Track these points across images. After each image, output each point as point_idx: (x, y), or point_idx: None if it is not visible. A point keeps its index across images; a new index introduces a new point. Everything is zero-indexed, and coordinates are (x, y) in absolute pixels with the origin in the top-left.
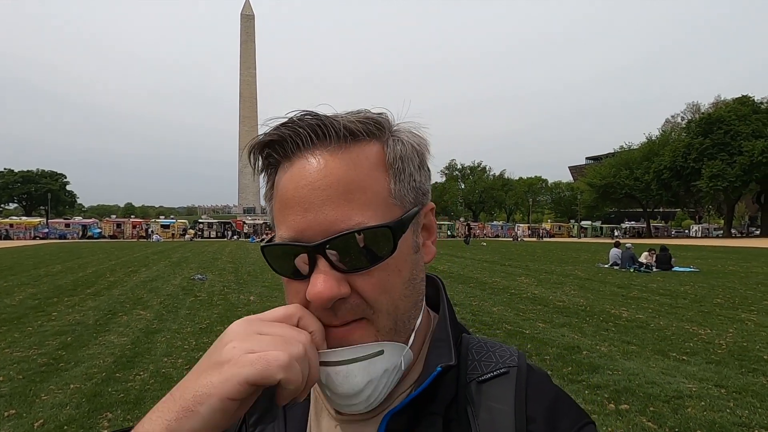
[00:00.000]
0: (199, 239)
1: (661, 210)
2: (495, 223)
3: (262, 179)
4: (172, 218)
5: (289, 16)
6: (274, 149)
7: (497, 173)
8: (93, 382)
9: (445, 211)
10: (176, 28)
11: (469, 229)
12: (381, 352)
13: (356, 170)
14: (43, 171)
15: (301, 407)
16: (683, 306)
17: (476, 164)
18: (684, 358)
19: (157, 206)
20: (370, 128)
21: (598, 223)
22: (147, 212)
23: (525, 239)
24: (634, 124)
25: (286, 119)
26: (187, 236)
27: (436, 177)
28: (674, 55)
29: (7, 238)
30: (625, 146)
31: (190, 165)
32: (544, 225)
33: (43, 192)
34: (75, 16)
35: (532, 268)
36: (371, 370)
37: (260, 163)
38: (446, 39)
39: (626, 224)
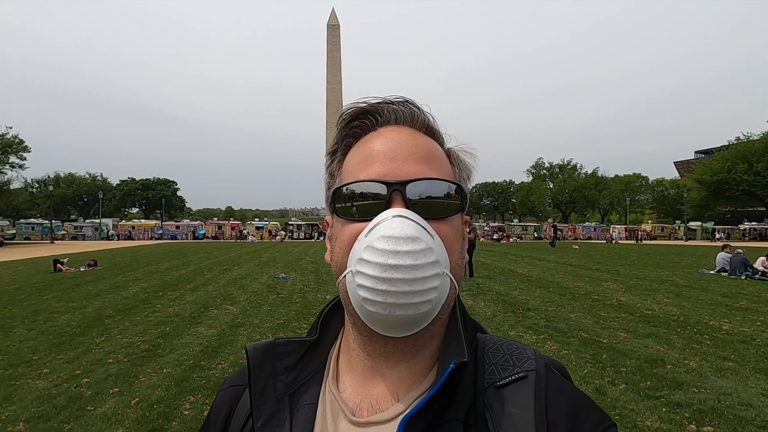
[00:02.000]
0: (289, 240)
1: None
2: (587, 224)
3: (329, 155)
4: (266, 220)
5: (372, 25)
6: (368, 118)
7: (589, 171)
8: (182, 368)
9: (533, 212)
10: (269, 49)
11: (556, 230)
12: (433, 250)
13: (435, 148)
14: (158, 179)
15: (308, 412)
16: None
17: (566, 162)
18: None
19: (254, 209)
20: (440, 136)
21: (709, 224)
22: (245, 215)
23: (620, 242)
24: (754, 110)
25: (383, 98)
26: (277, 237)
27: (522, 177)
28: None
29: (130, 238)
30: (743, 137)
31: (283, 171)
32: (643, 226)
33: (158, 197)
34: (185, 55)
35: (623, 273)
36: (424, 237)
37: (346, 131)
38: (526, 29)
39: (745, 225)
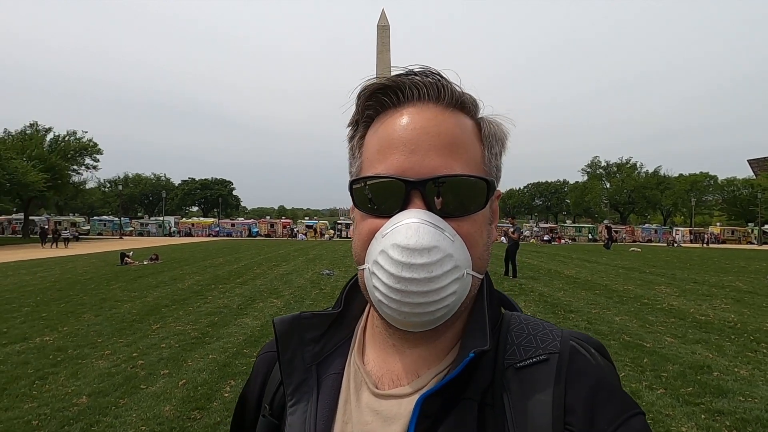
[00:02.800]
0: (338, 238)
1: None
2: (647, 226)
3: (350, 126)
4: (316, 219)
5: (423, 28)
6: (388, 95)
7: (650, 170)
8: (226, 355)
9: (588, 213)
10: (323, 54)
11: (610, 232)
12: (452, 256)
13: (462, 131)
14: (216, 179)
15: (334, 381)
16: None
17: (624, 160)
18: None
19: (304, 208)
20: (472, 105)
21: None
22: (296, 214)
23: (683, 245)
24: None
25: (405, 70)
26: (326, 236)
27: (577, 176)
28: None
29: (189, 234)
30: None
31: (332, 171)
32: (711, 229)
33: (216, 197)
34: (247, 67)
35: (679, 277)
36: (442, 244)
37: (363, 109)
38: (580, 16)
39: None
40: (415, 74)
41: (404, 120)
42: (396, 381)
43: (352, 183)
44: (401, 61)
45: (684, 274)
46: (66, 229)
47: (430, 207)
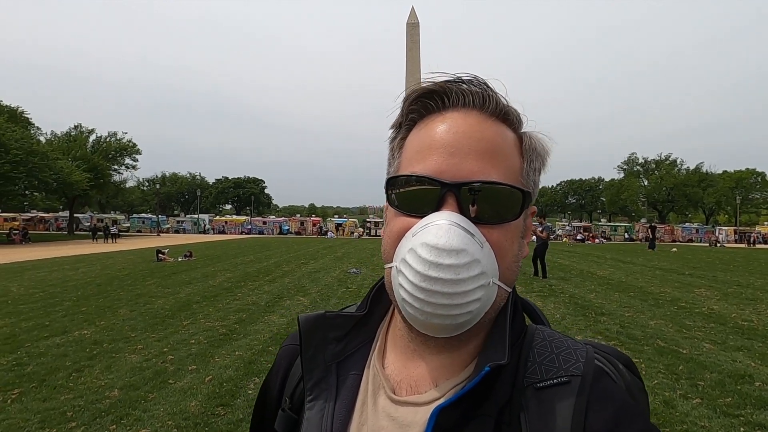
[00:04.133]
0: (366, 237)
1: None
2: (688, 225)
3: (395, 128)
4: (345, 217)
5: (451, 21)
6: (433, 99)
7: (692, 167)
8: (252, 352)
9: (624, 211)
10: (348, 51)
11: (654, 231)
12: (479, 261)
13: (503, 141)
14: (248, 177)
15: (353, 381)
16: None
17: (663, 157)
18: None
19: (334, 206)
20: (516, 118)
21: None
22: (326, 212)
23: (727, 245)
24: None
25: (453, 76)
26: (355, 234)
27: (613, 173)
28: None
29: (223, 232)
30: None
31: (362, 169)
32: (758, 228)
33: (248, 195)
34: (280, 67)
35: (721, 280)
36: (471, 248)
37: (408, 112)
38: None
39: None
40: (462, 81)
41: (447, 124)
42: (414, 388)
43: (388, 180)
44: (431, 59)
45: (726, 277)
46: (116, 226)
47: (463, 211)
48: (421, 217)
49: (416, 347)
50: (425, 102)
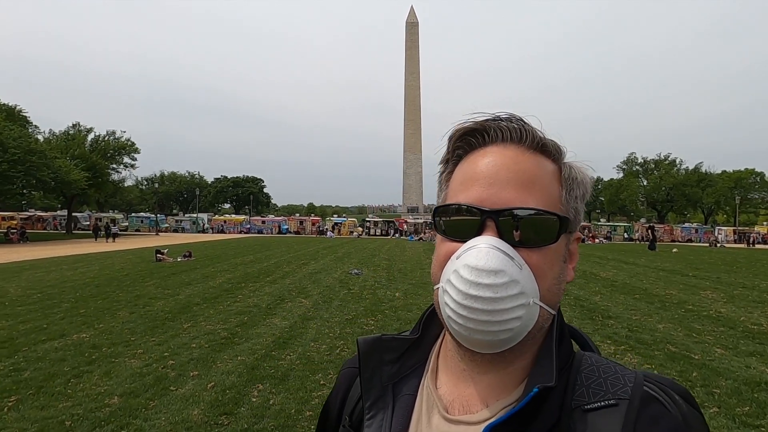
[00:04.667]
0: (366, 236)
1: None
2: (687, 225)
3: (443, 163)
4: (344, 217)
5: (450, 19)
6: (475, 136)
7: (690, 167)
8: (254, 357)
9: (623, 211)
10: (346, 47)
11: (653, 232)
12: (518, 282)
13: (541, 170)
14: (247, 176)
15: (408, 401)
16: None
17: (663, 157)
18: None
19: (333, 206)
20: (556, 149)
21: None
22: (325, 211)
23: (726, 245)
24: None
25: (492, 115)
26: (354, 233)
27: (612, 173)
28: None
29: (222, 231)
30: None
31: (361, 167)
32: (757, 228)
33: (247, 194)
34: (274, 61)
35: (725, 281)
36: (509, 269)
37: (453, 149)
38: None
39: None
40: (501, 119)
41: (487, 158)
42: (466, 407)
43: (435, 209)
44: (431, 58)
45: (730, 278)
46: (116, 225)
47: (502, 235)
48: (465, 242)
49: (466, 366)
50: (468, 139)
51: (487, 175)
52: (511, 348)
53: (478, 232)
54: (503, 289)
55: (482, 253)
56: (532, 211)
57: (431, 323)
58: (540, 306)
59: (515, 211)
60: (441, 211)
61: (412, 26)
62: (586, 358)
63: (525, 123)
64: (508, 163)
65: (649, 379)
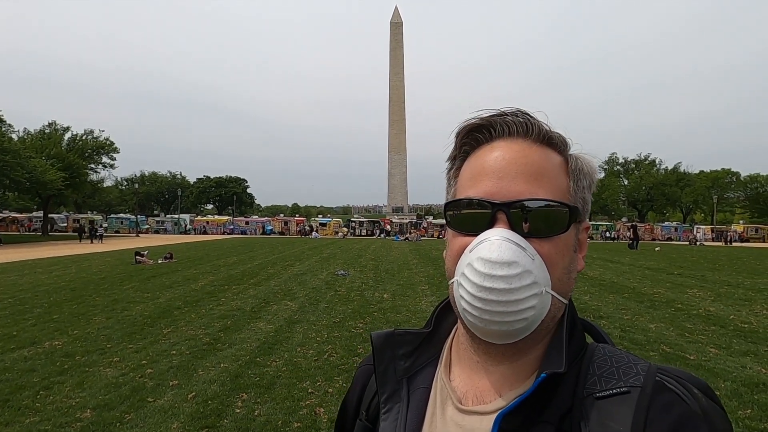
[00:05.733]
0: (351, 237)
1: None
2: (667, 224)
3: (450, 160)
4: (329, 217)
5: (435, 18)
6: (482, 132)
7: (670, 167)
8: (238, 364)
9: (604, 210)
10: (331, 45)
11: (636, 231)
12: (531, 272)
13: (548, 163)
14: (230, 177)
15: (422, 394)
16: None
17: (643, 157)
18: None
19: (318, 206)
20: (562, 141)
21: None
22: (309, 212)
23: (705, 243)
24: None
25: (498, 111)
26: (339, 234)
27: None
28: None
29: (205, 232)
30: None
31: (345, 167)
32: (733, 227)
33: (230, 195)
34: (252, 50)
35: (710, 279)
36: (522, 260)
37: (460, 146)
38: (604, 21)
39: None
40: (507, 114)
41: (495, 152)
42: (479, 398)
43: (446, 205)
44: (416, 58)
45: (715, 276)
46: (102, 226)
47: (513, 227)
48: (477, 235)
49: (479, 358)
50: (475, 135)
51: (496, 169)
52: (524, 338)
53: (490, 225)
54: (517, 279)
55: (495, 245)
56: (543, 203)
57: (443, 318)
58: (552, 295)
59: (526, 203)
60: (452, 206)
61: (396, 26)
62: (599, 349)
63: (531, 117)
64: (516, 157)
65: (664, 372)
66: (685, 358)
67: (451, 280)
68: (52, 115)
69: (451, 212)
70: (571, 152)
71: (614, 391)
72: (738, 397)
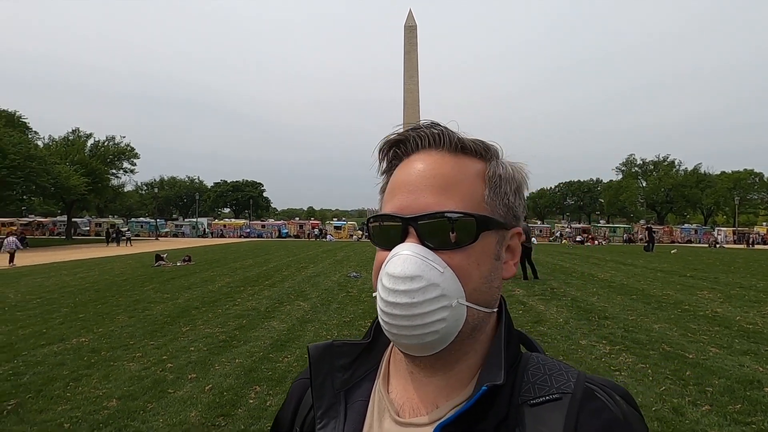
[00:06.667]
0: (366, 239)
1: None
2: (686, 226)
3: (380, 175)
4: (344, 220)
5: (435, 18)
6: (399, 147)
7: (690, 168)
8: (252, 359)
9: (623, 213)
10: (349, 50)
11: (651, 233)
12: (438, 285)
13: (460, 172)
14: (246, 181)
15: (360, 407)
16: None
17: (662, 158)
18: None
19: (333, 209)
20: (479, 149)
21: None
22: (325, 215)
23: (726, 246)
24: None
25: (414, 125)
26: (353, 237)
27: (611, 175)
28: None
29: (222, 236)
30: None
31: (361, 170)
32: (757, 229)
33: (246, 198)
34: (269, 55)
35: (723, 281)
36: (427, 274)
37: (385, 162)
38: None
39: None
40: (421, 127)
41: (408, 166)
42: (416, 410)
43: (367, 221)
44: (431, 62)
45: (728, 278)
46: (128, 230)
47: (422, 240)
48: (391, 249)
49: (412, 370)
50: (395, 151)
51: (407, 183)
52: (449, 349)
53: (402, 239)
54: (420, 293)
55: (400, 260)
56: (447, 214)
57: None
58: (467, 306)
59: (431, 215)
60: (372, 220)
61: (410, 29)
62: (532, 358)
63: (444, 128)
64: (426, 169)
65: (590, 381)
66: (684, 357)
67: (374, 294)
68: (53, 114)
69: (371, 227)
70: (498, 159)
71: (547, 397)
72: (730, 393)
